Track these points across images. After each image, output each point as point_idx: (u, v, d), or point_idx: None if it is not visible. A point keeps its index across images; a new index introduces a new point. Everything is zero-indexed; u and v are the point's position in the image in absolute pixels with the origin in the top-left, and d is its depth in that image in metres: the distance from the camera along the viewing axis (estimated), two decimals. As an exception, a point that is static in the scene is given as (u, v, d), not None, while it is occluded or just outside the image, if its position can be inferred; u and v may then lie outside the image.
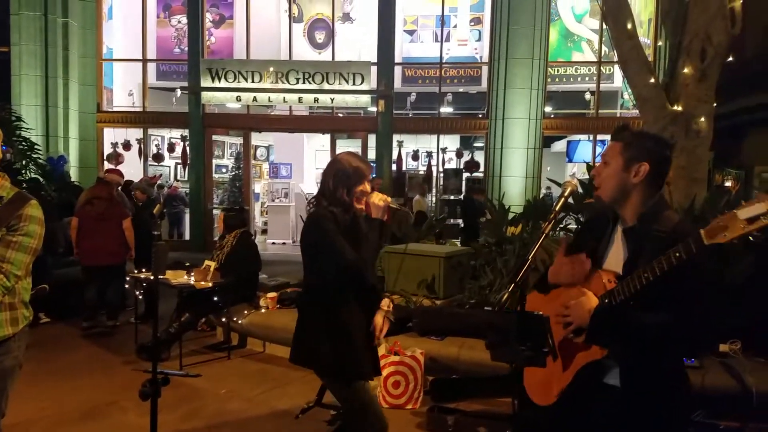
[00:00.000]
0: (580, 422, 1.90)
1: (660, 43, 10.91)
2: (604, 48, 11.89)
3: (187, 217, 12.87)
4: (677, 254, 1.62)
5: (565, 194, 2.01)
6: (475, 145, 13.86)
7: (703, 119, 5.60)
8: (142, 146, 12.47)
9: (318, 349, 2.47)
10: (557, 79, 12.39)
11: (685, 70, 5.63)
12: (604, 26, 10.41)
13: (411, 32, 13.00)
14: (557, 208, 1.99)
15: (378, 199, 2.46)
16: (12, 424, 3.20)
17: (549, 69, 11.79)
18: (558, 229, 5.51)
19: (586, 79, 12.28)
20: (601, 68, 11.96)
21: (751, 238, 1.53)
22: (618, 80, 12.00)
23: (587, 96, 12.07)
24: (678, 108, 5.67)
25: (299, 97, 11.58)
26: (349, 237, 2.41)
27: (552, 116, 12.32)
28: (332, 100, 11.55)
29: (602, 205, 1.94)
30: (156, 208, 3.70)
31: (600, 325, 1.75)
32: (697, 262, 1.65)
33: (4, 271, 2.22)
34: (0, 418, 2.38)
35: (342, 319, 2.45)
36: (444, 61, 12.39)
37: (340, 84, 11.38)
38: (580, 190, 5.46)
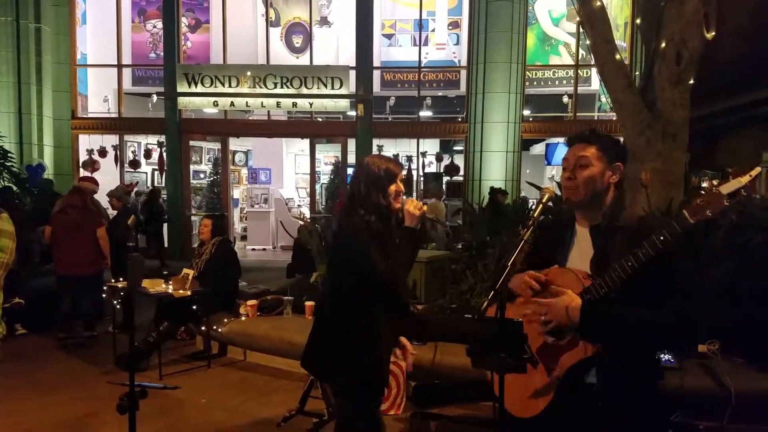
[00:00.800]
0: (562, 422, 1.90)
1: (636, 47, 11.07)
2: (581, 51, 12.03)
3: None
4: (661, 238, 1.66)
5: (544, 200, 2.02)
6: (455, 148, 13.93)
7: (679, 122, 5.68)
8: (118, 153, 12.28)
9: (341, 363, 2.34)
10: (535, 83, 12.49)
11: (661, 74, 5.71)
12: (581, 30, 10.55)
13: (389, 36, 13.00)
14: (536, 215, 1.99)
15: (413, 207, 2.32)
16: (-15, 440, 3.11)
17: (527, 72, 11.88)
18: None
19: (564, 82, 12.40)
20: (579, 71, 12.10)
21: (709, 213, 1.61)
22: (595, 83, 12.15)
23: (565, 99, 12.18)
24: (654, 112, 5.75)
25: (277, 102, 11.51)
26: (384, 246, 2.28)
27: (530, 119, 12.43)
28: (311, 104, 11.50)
29: (570, 206, 1.97)
30: (130, 219, 3.62)
31: (590, 319, 1.76)
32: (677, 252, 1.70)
33: None
34: None
35: (373, 334, 2.31)
36: (422, 65, 12.42)
37: (318, 88, 11.34)
38: (558, 192, 5.50)
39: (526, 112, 12.28)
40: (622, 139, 6.21)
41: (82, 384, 4.78)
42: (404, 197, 2.40)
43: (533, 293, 1.90)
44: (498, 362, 1.80)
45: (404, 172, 2.36)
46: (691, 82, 5.67)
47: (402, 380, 4.18)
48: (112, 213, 7.53)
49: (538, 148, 14.48)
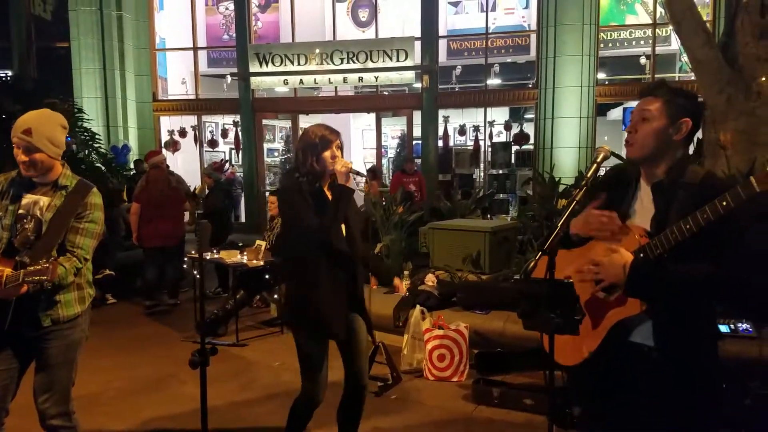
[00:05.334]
0: (610, 382, 1.90)
1: (719, 3, 10.28)
2: (659, 9, 11.31)
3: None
4: (724, 203, 1.59)
5: (598, 160, 1.97)
6: (526, 116, 13.55)
7: (764, 79, 5.27)
8: (197, 133, 12.85)
9: (287, 302, 2.82)
10: (610, 44, 11.91)
11: (744, 28, 5.31)
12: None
13: (455, 4, 12.74)
14: (589, 175, 1.95)
15: (340, 165, 2.58)
16: (81, 395, 3.42)
17: (601, 34, 11.32)
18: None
19: (642, 42, 11.75)
20: (657, 30, 11.40)
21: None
22: (675, 42, 11.42)
23: (642, 60, 11.55)
24: (736, 69, 5.36)
25: (344, 78, 11.60)
26: (318, 205, 2.55)
27: (606, 83, 11.88)
28: (376, 78, 11.50)
29: (633, 163, 1.91)
30: (198, 188, 3.83)
31: (639, 278, 1.73)
32: (739, 212, 1.62)
33: (77, 255, 2.43)
34: (71, 386, 2.57)
35: (308, 280, 2.62)
36: (490, 31, 12.10)
37: (383, 61, 11.30)
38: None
39: (601, 76, 11.75)
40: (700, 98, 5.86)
41: (165, 347, 5.16)
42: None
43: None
44: (548, 323, 1.81)
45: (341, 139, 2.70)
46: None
47: (464, 348, 4.23)
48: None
49: (616, 113, 13.83)
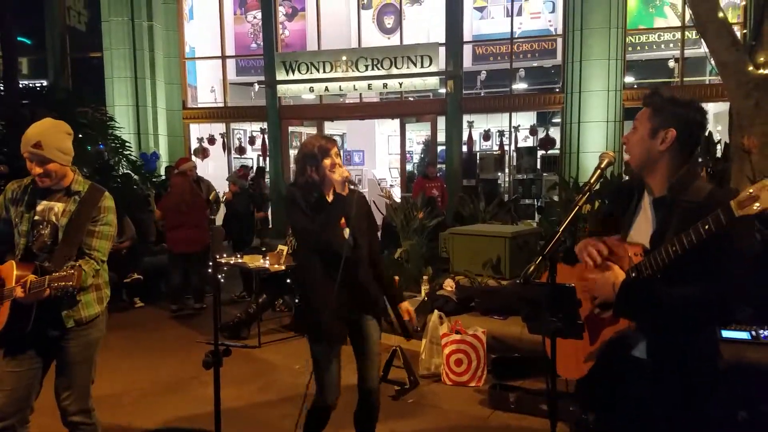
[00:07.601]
0: (613, 396, 1.90)
1: (750, 5, 10.05)
2: (688, 12, 11.10)
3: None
4: (706, 227, 1.57)
5: (602, 166, 1.96)
6: (554, 121, 13.43)
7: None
8: (225, 140, 13.08)
9: (296, 309, 2.93)
10: (638, 48, 11.72)
11: (772, 30, 5.21)
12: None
13: (481, 9, 12.72)
14: (592, 181, 1.94)
15: (337, 175, 2.63)
16: (106, 395, 3.54)
17: (629, 37, 11.18)
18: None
19: (671, 45, 11.53)
20: (686, 33, 11.19)
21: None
22: (705, 45, 11.20)
23: (671, 63, 11.35)
24: (764, 72, 5.25)
25: (368, 84, 11.69)
26: (319, 212, 2.62)
27: (635, 87, 11.70)
28: (401, 84, 11.56)
29: (632, 172, 1.91)
30: (212, 194, 3.86)
31: (626, 299, 1.74)
32: (730, 233, 1.59)
33: (94, 258, 2.52)
34: (90, 384, 2.66)
35: (307, 284, 2.74)
36: (516, 35, 12.05)
37: (408, 67, 11.35)
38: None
39: (629, 79, 11.57)
40: (722, 106, 5.75)
41: (188, 350, 5.27)
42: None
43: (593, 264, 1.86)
44: (550, 327, 1.82)
45: (338, 146, 2.76)
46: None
47: (482, 353, 4.23)
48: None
49: (644, 118, 13.62)
